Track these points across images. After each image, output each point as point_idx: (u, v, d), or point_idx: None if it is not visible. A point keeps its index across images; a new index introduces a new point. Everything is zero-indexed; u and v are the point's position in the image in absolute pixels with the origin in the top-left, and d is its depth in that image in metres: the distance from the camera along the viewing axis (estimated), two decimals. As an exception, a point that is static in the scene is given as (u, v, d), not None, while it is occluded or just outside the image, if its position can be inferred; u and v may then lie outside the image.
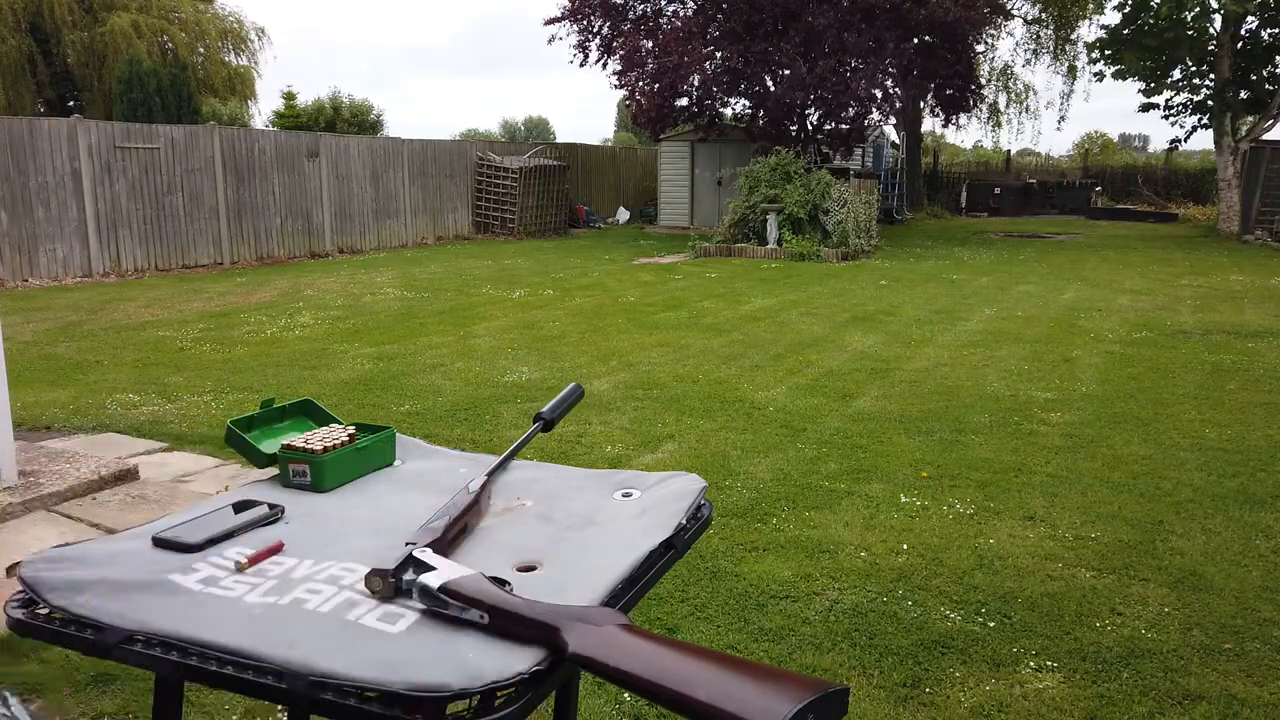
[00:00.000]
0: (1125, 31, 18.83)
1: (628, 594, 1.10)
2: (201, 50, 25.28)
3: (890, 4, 15.77)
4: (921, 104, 23.09)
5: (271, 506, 1.29)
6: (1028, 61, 44.42)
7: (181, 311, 9.41)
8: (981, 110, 25.62)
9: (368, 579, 1.04)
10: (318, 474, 1.39)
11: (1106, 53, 19.65)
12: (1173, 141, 21.48)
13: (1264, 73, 19.01)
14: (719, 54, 16.74)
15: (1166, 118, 20.33)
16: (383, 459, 1.51)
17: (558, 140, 34.48)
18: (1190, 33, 18.19)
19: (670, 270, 13.14)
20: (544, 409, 1.53)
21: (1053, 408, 5.59)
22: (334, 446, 1.41)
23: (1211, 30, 18.36)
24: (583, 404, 5.51)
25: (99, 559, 1.13)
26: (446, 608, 0.99)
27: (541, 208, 19.33)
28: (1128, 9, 18.53)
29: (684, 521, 1.28)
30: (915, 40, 17.24)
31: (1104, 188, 28.59)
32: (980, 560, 3.44)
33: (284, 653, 0.93)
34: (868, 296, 10.39)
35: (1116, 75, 19.60)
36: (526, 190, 18.79)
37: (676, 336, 7.93)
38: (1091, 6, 24.33)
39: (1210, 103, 19.15)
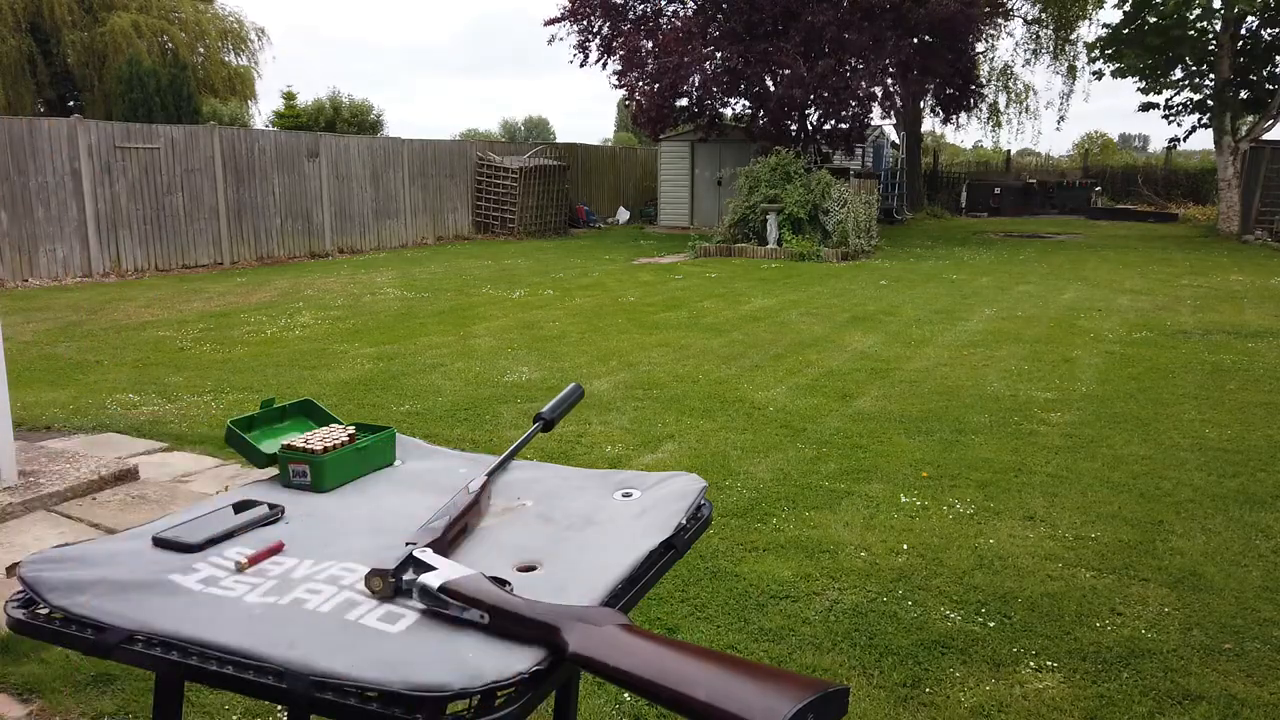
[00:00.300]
0: (1126, 30, 18.83)
1: (628, 594, 1.10)
2: (201, 50, 25.27)
3: (890, 3, 15.78)
4: (921, 104, 23.10)
5: (271, 506, 1.29)
6: (1027, 61, 44.49)
7: (181, 311, 9.41)
8: (981, 110, 25.66)
9: (368, 579, 1.05)
10: (318, 474, 1.39)
11: (1107, 51, 19.64)
12: (1171, 140, 21.48)
13: (1264, 72, 19.01)
14: (719, 54, 16.74)
15: (1166, 117, 20.33)
16: (383, 459, 1.51)
17: (558, 140, 34.49)
18: (1192, 32, 18.19)
19: (670, 270, 13.14)
20: (544, 409, 1.53)
21: (1053, 408, 5.59)
22: (334, 446, 1.41)
23: (1212, 30, 18.36)
24: (583, 404, 5.51)
25: (99, 559, 1.13)
26: (446, 608, 0.99)
27: (541, 208, 19.33)
28: (1129, 7, 18.53)
29: (684, 521, 1.28)
30: (915, 40, 17.25)
31: (1104, 188, 28.59)
32: (980, 560, 3.44)
33: (284, 653, 0.93)
34: (868, 296, 10.39)
35: (1116, 74, 19.58)
36: (526, 190, 18.79)
37: (676, 336, 7.93)
38: (1092, 5, 24.34)
39: (1210, 102, 19.15)
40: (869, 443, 4.89)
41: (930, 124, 42.51)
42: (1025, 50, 35.73)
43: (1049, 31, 26.12)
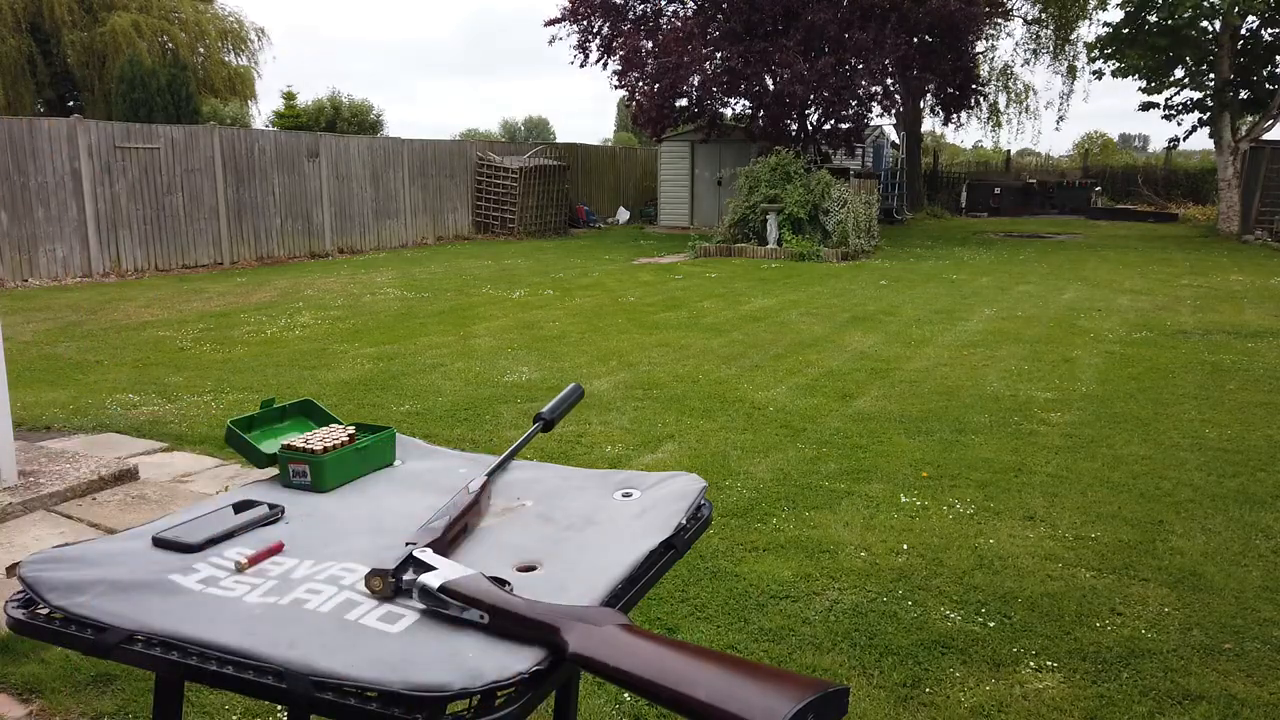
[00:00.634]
0: (1126, 30, 18.83)
1: (628, 594, 1.10)
2: (201, 50, 25.28)
3: (891, 2, 15.78)
4: (921, 103, 23.10)
5: (271, 507, 1.29)
6: (1027, 61, 44.38)
7: (181, 311, 9.41)
8: (981, 110, 25.67)
9: (368, 579, 1.05)
10: (318, 474, 1.39)
11: (1107, 50, 19.64)
12: (1171, 140, 21.49)
13: (1264, 72, 19.02)
14: (719, 54, 16.75)
15: (1167, 117, 20.33)
16: (383, 459, 1.51)
17: (558, 140, 34.50)
18: (1193, 32, 18.19)
19: (670, 270, 13.14)
20: (544, 409, 1.53)
21: (1053, 408, 5.59)
22: (334, 446, 1.41)
23: (1212, 30, 18.36)
24: (583, 404, 5.51)
25: (99, 559, 1.13)
26: (446, 608, 0.99)
27: (541, 208, 19.33)
28: (1130, 7, 18.52)
29: (684, 521, 1.28)
30: (915, 39, 17.25)
31: (1104, 188, 28.59)
32: (980, 560, 3.44)
33: (284, 653, 0.93)
34: (868, 296, 10.39)
35: (1117, 73, 19.59)
36: (526, 190, 18.80)
37: (676, 336, 7.93)
38: (1093, 4, 24.34)
39: (1210, 102, 19.15)
40: (869, 443, 4.89)
41: (930, 124, 42.45)
42: (1025, 50, 35.73)
43: (1049, 31, 26.13)
